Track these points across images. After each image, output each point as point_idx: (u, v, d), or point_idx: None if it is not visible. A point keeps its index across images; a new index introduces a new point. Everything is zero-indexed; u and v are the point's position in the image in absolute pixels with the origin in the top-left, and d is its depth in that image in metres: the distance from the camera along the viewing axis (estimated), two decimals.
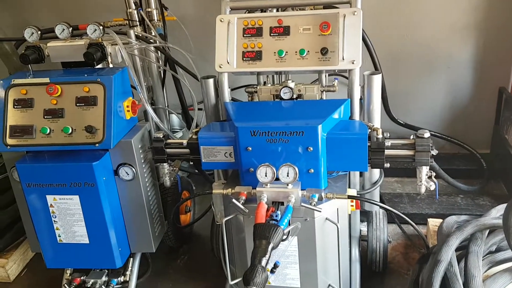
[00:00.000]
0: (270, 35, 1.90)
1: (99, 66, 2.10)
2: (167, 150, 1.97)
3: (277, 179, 1.66)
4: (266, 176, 1.66)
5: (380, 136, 1.75)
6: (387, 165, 1.77)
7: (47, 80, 1.94)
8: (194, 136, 1.90)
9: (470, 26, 2.99)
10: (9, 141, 1.94)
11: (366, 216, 2.33)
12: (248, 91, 2.03)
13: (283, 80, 2.03)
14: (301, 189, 1.68)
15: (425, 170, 1.79)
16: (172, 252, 2.67)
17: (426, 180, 1.81)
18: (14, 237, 2.63)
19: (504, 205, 2.02)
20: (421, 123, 3.13)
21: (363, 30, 1.85)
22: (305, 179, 1.73)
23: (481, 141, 3.19)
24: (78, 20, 2.26)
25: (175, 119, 3.31)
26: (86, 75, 1.96)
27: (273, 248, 1.50)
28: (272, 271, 1.63)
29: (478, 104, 3.18)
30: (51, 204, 2.01)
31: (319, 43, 1.85)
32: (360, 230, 2.29)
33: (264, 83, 2.06)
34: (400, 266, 2.41)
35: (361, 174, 2.13)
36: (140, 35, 2.51)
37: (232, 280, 1.88)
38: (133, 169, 2.04)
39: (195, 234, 2.81)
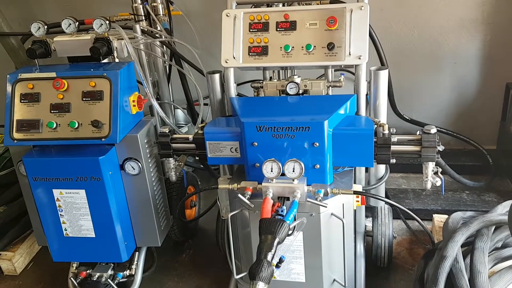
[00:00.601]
0: (277, 30, 1.89)
1: (105, 60, 2.10)
2: (173, 145, 1.98)
3: (283, 174, 1.66)
4: (272, 171, 1.66)
5: (386, 131, 1.75)
6: (393, 160, 1.77)
7: (53, 74, 1.95)
8: (200, 131, 1.90)
9: (477, 21, 2.97)
10: (16, 135, 1.95)
11: (371, 211, 2.33)
12: (254, 86, 2.02)
13: (289, 75, 2.02)
14: (307, 185, 1.68)
15: (431, 166, 1.79)
16: (178, 246, 2.68)
17: (432, 176, 1.81)
18: (21, 230, 2.65)
19: (510, 201, 2.02)
20: (427, 118, 3.12)
21: (369, 25, 1.85)
22: (311, 175, 1.73)
23: (487, 137, 3.18)
24: (84, 14, 2.27)
25: (180, 114, 3.31)
26: (92, 69, 1.96)
27: (278, 243, 1.50)
28: (277, 266, 1.63)
29: (484, 100, 3.16)
30: (57, 198, 2.02)
31: (326, 38, 1.84)
32: (365, 225, 2.29)
33: (270, 78, 2.06)
34: (405, 262, 2.41)
35: (366, 170, 2.12)
36: (146, 30, 2.51)
37: (237, 274, 1.89)
38: (139, 164, 2.05)
39: (200, 228, 2.82)
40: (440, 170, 1.82)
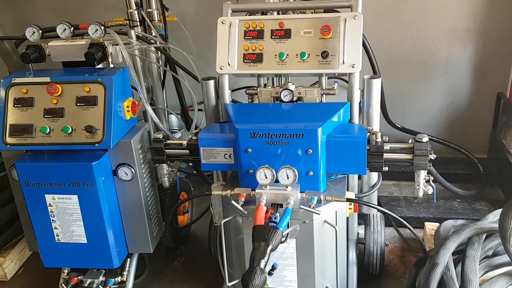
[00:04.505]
0: (271, 38, 1.91)
1: (100, 66, 2.10)
2: (167, 150, 1.98)
3: (277, 181, 1.66)
4: (265, 178, 1.67)
5: (379, 139, 1.76)
6: (385, 168, 1.78)
7: (47, 79, 1.94)
8: (194, 137, 1.91)
9: (469, 31, 3.01)
10: (9, 140, 1.94)
11: (363, 219, 2.34)
12: (249, 93, 2.03)
13: (283, 83, 2.03)
14: (300, 192, 1.69)
15: (423, 174, 1.80)
16: (170, 253, 2.67)
17: (424, 184, 1.82)
18: (12, 235, 2.62)
19: (501, 210, 2.04)
20: (419, 127, 3.14)
21: (362, 34, 1.86)
22: (304, 182, 1.73)
23: (479, 146, 3.21)
24: (78, 19, 2.26)
25: (174, 119, 3.31)
26: (86, 75, 1.96)
27: (272, 250, 1.50)
28: (270, 273, 1.64)
29: (476, 108, 3.20)
30: (49, 204, 2.00)
31: (320, 46, 1.86)
32: (358, 233, 2.30)
33: (265, 85, 2.07)
34: (396, 269, 2.42)
35: (359, 177, 2.14)
36: (141, 36, 2.51)
37: (229, 281, 1.89)
38: (132, 170, 2.04)
39: (192, 235, 2.82)
40: (431, 178, 1.83)
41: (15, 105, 1.95)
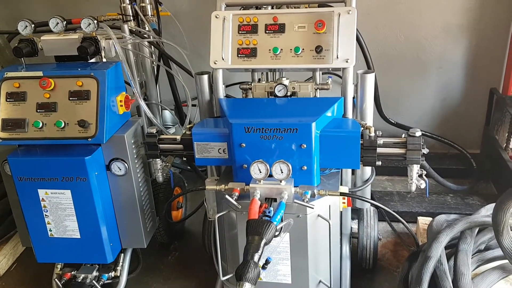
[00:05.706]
0: (265, 32, 1.90)
1: (93, 60, 2.09)
2: (160, 145, 1.97)
3: (271, 175, 1.66)
4: (259, 172, 1.67)
5: (372, 134, 1.77)
6: (378, 163, 1.78)
7: (40, 73, 1.93)
8: (188, 132, 1.90)
9: (462, 27, 3.02)
10: (1, 134, 1.93)
11: (357, 213, 2.35)
12: (243, 88, 2.03)
13: (277, 78, 2.03)
14: (294, 186, 1.69)
15: (416, 168, 1.81)
16: (163, 248, 2.67)
17: (416, 178, 1.83)
18: (5, 231, 2.61)
19: (493, 204, 2.05)
20: (412, 122, 3.16)
21: (356, 29, 1.87)
22: (298, 176, 1.74)
23: (472, 141, 3.23)
24: (72, 13, 2.25)
25: (168, 115, 3.30)
26: (79, 69, 1.95)
27: (265, 244, 1.51)
28: (263, 267, 1.63)
29: (469, 104, 3.21)
30: (42, 198, 2.00)
31: (314, 41, 1.86)
32: (351, 227, 2.31)
33: (259, 80, 2.07)
34: (389, 264, 2.43)
35: (353, 172, 2.14)
36: (134, 30, 2.50)
37: (223, 276, 1.89)
38: (126, 164, 2.04)
39: (186, 230, 2.82)
40: (424, 172, 1.84)
41: (8, 100, 1.94)
